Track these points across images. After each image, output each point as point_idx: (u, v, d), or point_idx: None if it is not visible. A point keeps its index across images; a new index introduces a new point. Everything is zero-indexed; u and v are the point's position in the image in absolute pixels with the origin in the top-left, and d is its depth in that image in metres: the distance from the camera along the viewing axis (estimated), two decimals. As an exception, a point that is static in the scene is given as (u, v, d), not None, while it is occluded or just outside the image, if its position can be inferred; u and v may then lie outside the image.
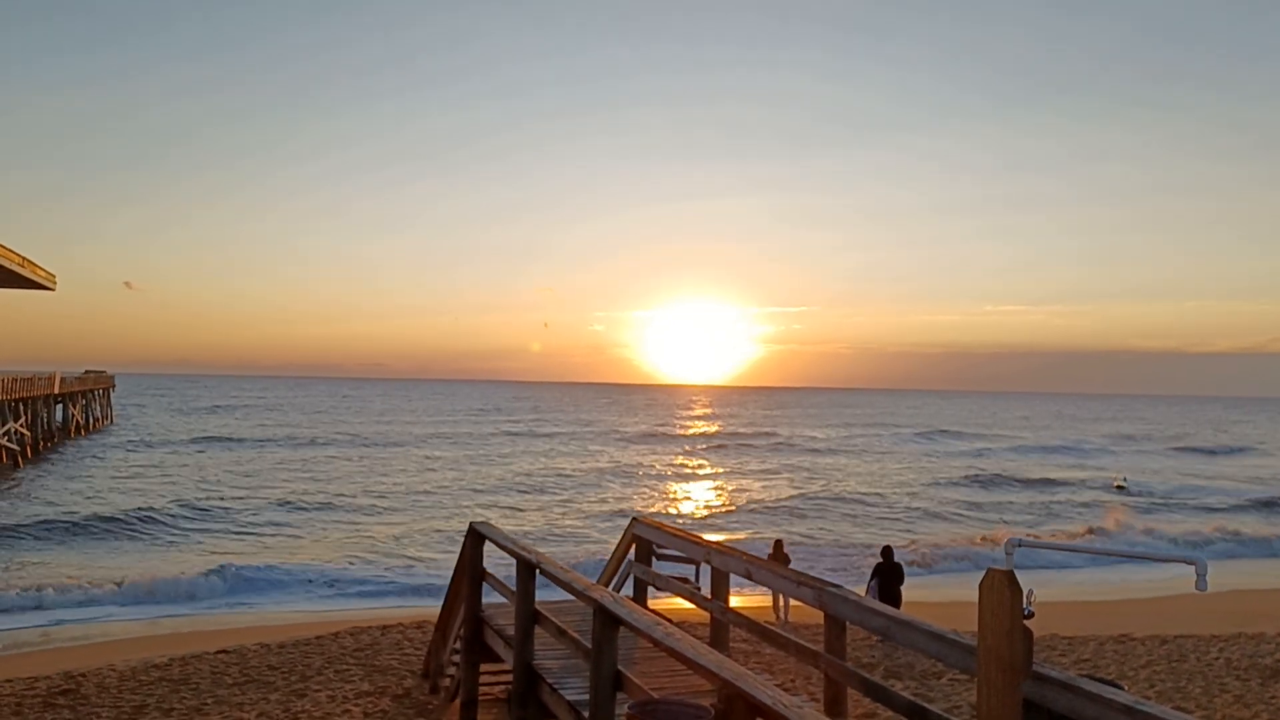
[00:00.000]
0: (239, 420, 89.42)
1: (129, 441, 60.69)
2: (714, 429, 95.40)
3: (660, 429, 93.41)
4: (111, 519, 29.22)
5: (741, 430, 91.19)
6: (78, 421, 62.72)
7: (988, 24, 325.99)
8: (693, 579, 11.28)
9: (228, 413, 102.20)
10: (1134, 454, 72.84)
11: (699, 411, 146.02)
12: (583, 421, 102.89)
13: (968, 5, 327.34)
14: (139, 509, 31.02)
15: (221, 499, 34.66)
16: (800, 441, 76.49)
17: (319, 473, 46.08)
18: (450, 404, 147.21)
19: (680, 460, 60.28)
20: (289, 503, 34.12)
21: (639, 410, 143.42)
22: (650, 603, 10.33)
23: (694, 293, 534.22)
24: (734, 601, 9.04)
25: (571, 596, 7.00)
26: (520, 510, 34.95)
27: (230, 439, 65.21)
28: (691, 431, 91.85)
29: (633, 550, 10.58)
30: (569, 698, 6.99)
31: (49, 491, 36.01)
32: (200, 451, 56.72)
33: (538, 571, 7.75)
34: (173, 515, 30.50)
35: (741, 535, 28.93)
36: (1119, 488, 46.08)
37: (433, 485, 41.62)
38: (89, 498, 34.54)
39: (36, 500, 33.48)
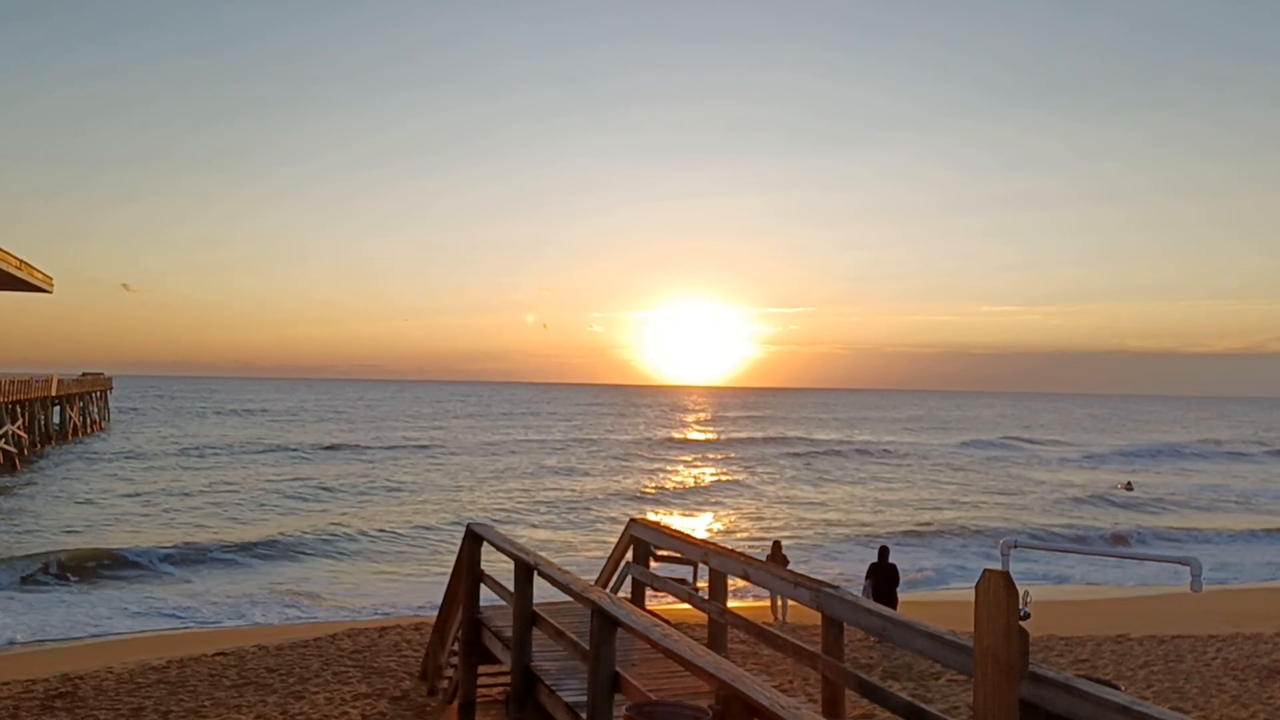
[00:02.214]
0: (286, 426, 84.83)
1: (198, 449, 57.20)
2: (783, 434, 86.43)
3: (723, 435, 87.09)
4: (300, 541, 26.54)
5: (817, 436, 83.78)
6: (75, 424, 62.65)
7: (988, 22, 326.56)
8: (690, 580, 11.29)
9: (264, 418, 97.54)
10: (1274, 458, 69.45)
11: (745, 414, 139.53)
12: (630, 428, 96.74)
13: (969, 4, 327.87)
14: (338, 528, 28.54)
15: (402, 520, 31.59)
16: (891, 447, 70.40)
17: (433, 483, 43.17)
18: (477, 408, 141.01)
19: (782, 470, 53.97)
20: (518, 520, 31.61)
21: (678, 413, 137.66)
22: (648, 604, 10.33)
23: (691, 293, 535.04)
24: (731, 603, 9.04)
25: (569, 598, 7.00)
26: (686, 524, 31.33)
27: (288, 448, 61.34)
28: (761, 436, 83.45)
29: (630, 551, 10.58)
30: (567, 699, 6.99)
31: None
32: (303, 458, 53.79)
33: (535, 573, 7.75)
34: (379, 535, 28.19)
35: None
36: (1127, 488, 46.25)
37: (570, 497, 39.06)
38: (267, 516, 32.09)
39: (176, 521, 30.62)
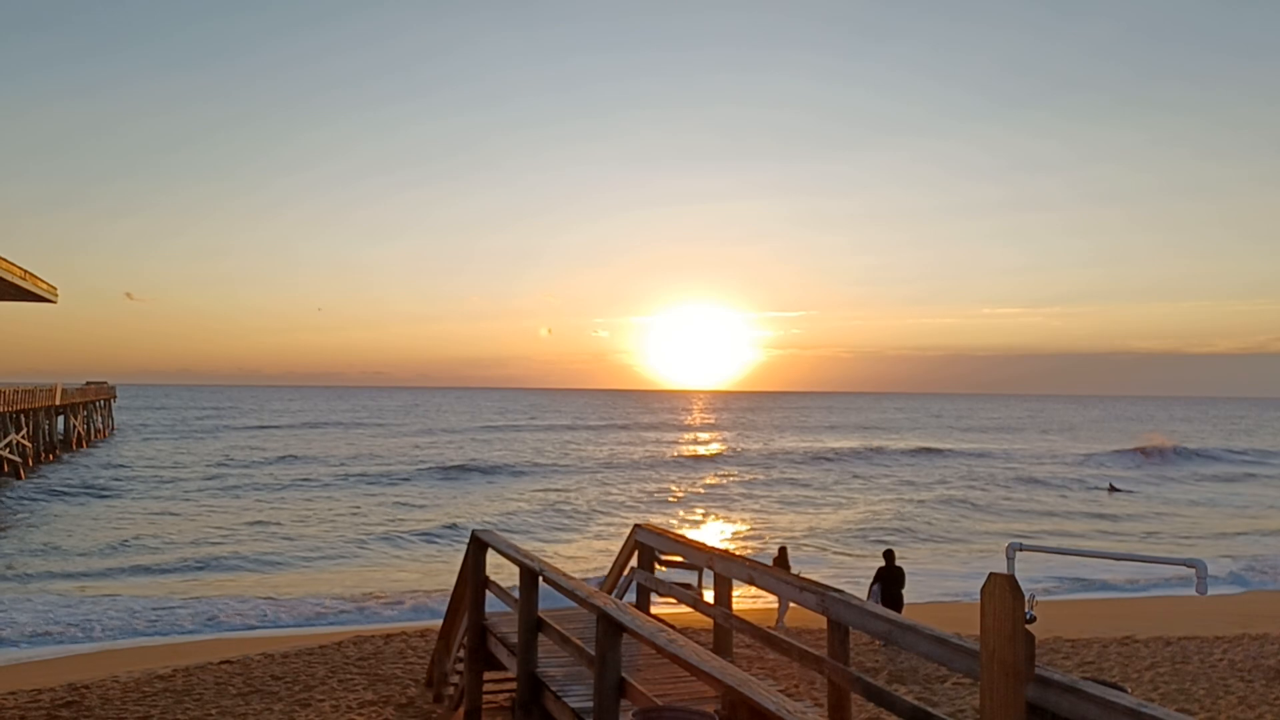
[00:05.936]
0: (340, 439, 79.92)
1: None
2: (896, 444, 77.49)
3: (816, 444, 77.71)
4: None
5: (949, 446, 75.84)
6: (79, 433, 62.78)
7: (987, 25, 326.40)
8: (695, 585, 11.29)
9: (366, 431, 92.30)
10: None
11: (820, 421, 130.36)
12: (693, 440, 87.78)
13: (967, 7, 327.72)
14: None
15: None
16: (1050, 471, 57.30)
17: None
18: (544, 418, 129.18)
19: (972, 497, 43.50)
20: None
21: (727, 423, 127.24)
22: (653, 609, 10.33)
23: (693, 297, 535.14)
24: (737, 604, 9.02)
25: (575, 604, 7.01)
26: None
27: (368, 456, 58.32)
28: (903, 447, 73.82)
29: (635, 557, 10.58)
30: (573, 705, 6.99)
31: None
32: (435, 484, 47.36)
33: (541, 579, 7.76)
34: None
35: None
36: (1113, 490, 47.57)
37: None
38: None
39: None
